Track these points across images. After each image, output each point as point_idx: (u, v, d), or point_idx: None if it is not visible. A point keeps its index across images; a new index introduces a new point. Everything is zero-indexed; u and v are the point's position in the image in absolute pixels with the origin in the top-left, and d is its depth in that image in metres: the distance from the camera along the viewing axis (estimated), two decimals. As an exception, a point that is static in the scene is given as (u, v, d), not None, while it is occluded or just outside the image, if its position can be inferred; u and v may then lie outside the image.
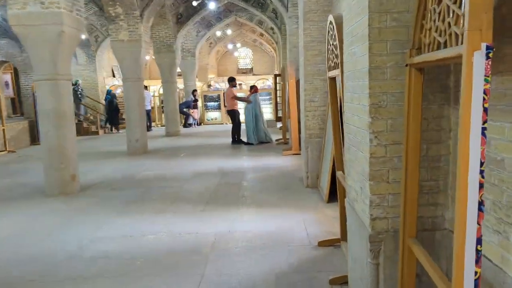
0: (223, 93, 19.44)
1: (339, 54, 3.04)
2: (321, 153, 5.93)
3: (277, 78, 16.38)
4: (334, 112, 3.78)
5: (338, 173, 3.71)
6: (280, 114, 16.36)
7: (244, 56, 28.82)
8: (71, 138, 6.30)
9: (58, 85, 6.07)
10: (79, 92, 16.17)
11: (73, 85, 16.20)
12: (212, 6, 12.23)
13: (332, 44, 3.36)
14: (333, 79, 3.74)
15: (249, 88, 11.72)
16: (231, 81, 11.80)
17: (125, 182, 7.09)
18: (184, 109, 17.15)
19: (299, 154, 8.93)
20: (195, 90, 18.53)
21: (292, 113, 9.00)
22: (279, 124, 15.91)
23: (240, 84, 22.56)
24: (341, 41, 2.95)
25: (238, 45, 25.55)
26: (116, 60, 22.31)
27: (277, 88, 16.31)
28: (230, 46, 25.57)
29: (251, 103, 11.16)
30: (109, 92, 16.48)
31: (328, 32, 3.53)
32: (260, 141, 11.24)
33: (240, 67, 28.91)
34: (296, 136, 9.04)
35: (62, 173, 6.20)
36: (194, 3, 11.84)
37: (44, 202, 5.91)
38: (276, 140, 11.71)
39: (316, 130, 6.04)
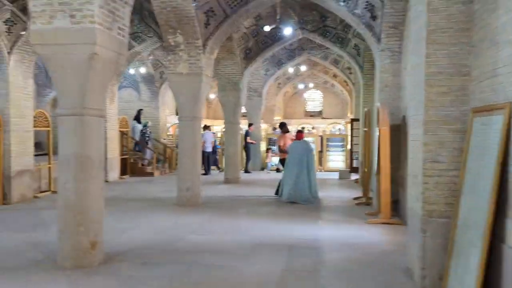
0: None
1: None
2: (449, 241, 3.83)
3: (353, 122, 14.47)
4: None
5: None
6: (356, 164, 14.28)
7: (312, 98, 27.19)
8: (95, 193, 4.76)
9: (84, 122, 4.63)
10: (147, 135, 15.21)
11: (143, 126, 15.35)
12: (287, 31, 10.70)
13: None
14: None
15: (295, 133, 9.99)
16: (283, 126, 10.34)
17: (163, 251, 5.39)
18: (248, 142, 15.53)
19: (392, 224, 6.80)
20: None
21: (383, 168, 6.95)
22: (353, 176, 13.78)
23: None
24: None
25: (311, 85, 23.96)
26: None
27: (353, 134, 14.36)
28: (302, 86, 24.10)
29: (294, 152, 9.22)
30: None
31: None
32: (292, 201, 8.97)
33: (308, 110, 27.25)
34: (387, 200, 6.92)
35: (80, 238, 4.62)
36: (267, 28, 10.42)
37: (45, 278, 4.33)
38: (355, 198, 9.58)
39: (441, 206, 3.97)
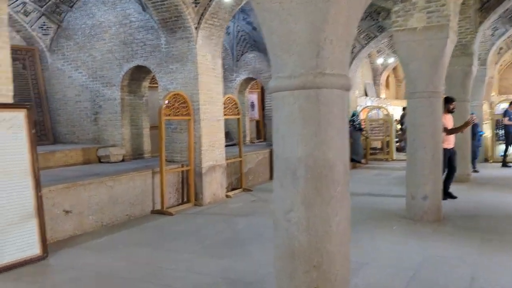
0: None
1: None
2: None
3: None
4: None
5: None
6: None
7: (540, 66, 20.98)
8: (340, 230, 2.58)
9: (319, 98, 2.48)
10: (356, 124, 12.41)
11: (352, 116, 12.31)
12: None
13: None
14: None
15: None
16: (448, 102, 7.11)
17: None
18: None
19: None
20: None
21: None
22: None
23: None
24: None
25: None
26: (368, 77, 18.95)
27: None
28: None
29: None
30: None
31: None
32: None
33: (532, 81, 21.19)
34: None
35: (314, 311, 2.53)
36: None
37: None
38: None
39: None
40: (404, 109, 12.68)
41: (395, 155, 14.53)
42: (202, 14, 7.33)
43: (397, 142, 14.89)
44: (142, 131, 9.01)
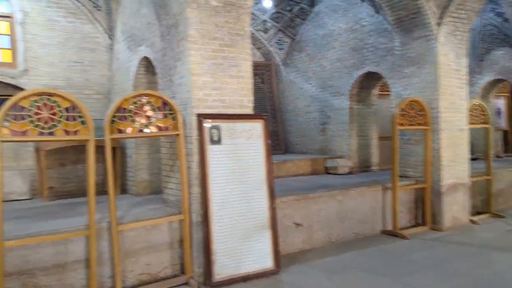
0: None
1: None
2: None
3: None
4: None
5: None
6: None
7: None
8: None
9: None
10: None
11: None
12: None
13: None
14: None
15: None
16: None
17: None
18: None
19: None
20: None
21: None
22: None
23: None
24: None
25: None
26: None
27: None
28: None
29: None
30: None
31: None
32: None
33: None
34: None
35: None
36: None
37: None
38: None
39: None
40: None
41: None
42: (445, 7, 6.29)
43: None
44: (370, 142, 8.46)
